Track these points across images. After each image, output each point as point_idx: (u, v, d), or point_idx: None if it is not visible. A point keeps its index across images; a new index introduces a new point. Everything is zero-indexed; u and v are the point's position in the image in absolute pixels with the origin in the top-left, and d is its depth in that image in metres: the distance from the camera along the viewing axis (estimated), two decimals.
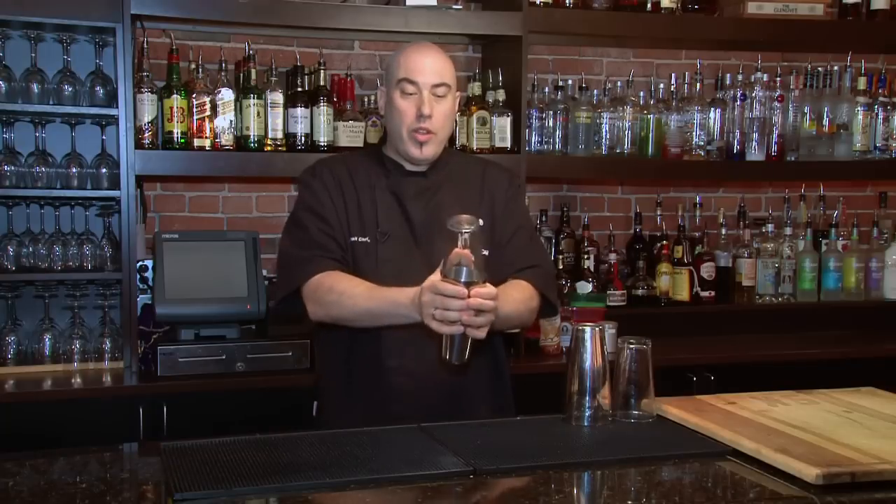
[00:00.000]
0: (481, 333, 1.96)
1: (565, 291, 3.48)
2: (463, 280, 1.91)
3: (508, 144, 3.45)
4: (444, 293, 1.90)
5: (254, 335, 3.16)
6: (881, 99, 3.88)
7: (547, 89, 3.72)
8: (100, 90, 3.20)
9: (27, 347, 3.13)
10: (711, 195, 4.10)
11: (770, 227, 3.96)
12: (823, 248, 3.96)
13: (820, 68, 3.88)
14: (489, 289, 1.94)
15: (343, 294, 2.13)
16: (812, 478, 1.60)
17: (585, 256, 3.67)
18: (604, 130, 3.61)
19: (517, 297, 2.20)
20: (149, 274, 3.17)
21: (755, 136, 3.73)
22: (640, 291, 3.74)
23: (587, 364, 1.96)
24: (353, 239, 2.22)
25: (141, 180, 3.23)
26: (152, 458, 1.82)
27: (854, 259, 3.95)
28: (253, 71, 3.24)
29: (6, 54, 3.18)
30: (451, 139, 3.37)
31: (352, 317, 2.15)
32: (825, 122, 3.82)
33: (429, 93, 2.18)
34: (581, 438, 1.91)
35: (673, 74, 3.80)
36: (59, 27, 3.14)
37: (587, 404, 1.96)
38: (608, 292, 3.63)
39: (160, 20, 3.27)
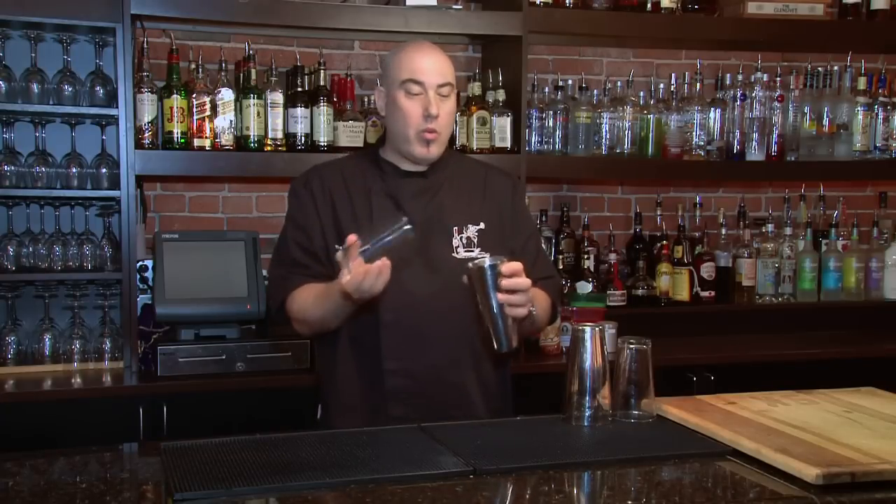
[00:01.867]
0: (522, 311, 1.97)
1: (565, 291, 3.48)
2: (488, 263, 1.94)
3: (508, 144, 3.44)
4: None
5: (254, 335, 3.16)
6: (881, 99, 3.88)
7: (547, 89, 3.72)
8: (100, 90, 3.20)
9: (27, 347, 3.13)
10: (711, 195, 4.10)
11: (770, 227, 3.96)
12: (823, 248, 3.96)
13: (820, 68, 3.88)
14: (516, 263, 1.96)
15: (301, 309, 2.19)
16: (812, 478, 1.60)
17: (585, 256, 3.67)
18: (604, 130, 3.61)
19: (546, 304, 2.27)
20: (149, 274, 3.17)
21: (755, 136, 3.73)
22: (640, 291, 3.74)
23: (587, 364, 1.96)
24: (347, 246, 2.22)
25: (141, 180, 3.23)
26: (152, 458, 1.82)
27: (854, 259, 3.95)
28: (253, 71, 3.24)
29: (6, 54, 3.18)
30: (452, 139, 3.38)
31: (319, 323, 2.19)
32: (825, 122, 3.82)
33: (434, 93, 2.18)
34: (581, 438, 1.91)
35: (673, 74, 3.80)
36: (59, 27, 3.14)
37: (587, 404, 1.96)
38: (608, 292, 3.63)
39: (160, 20, 3.27)
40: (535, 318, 2.14)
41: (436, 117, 2.17)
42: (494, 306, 1.95)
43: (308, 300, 2.16)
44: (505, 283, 1.94)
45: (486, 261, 1.95)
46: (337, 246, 2.22)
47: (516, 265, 1.97)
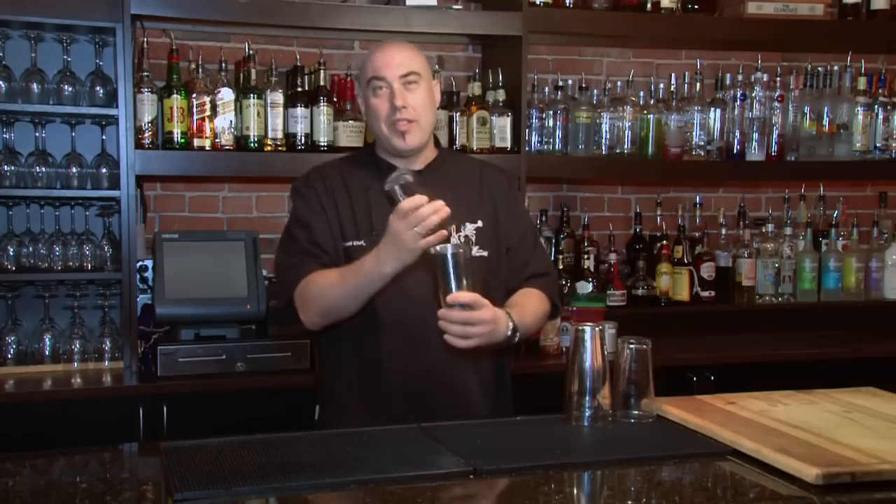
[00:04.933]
0: (461, 342, 1.98)
1: (565, 291, 3.48)
2: (450, 251, 1.94)
3: (508, 144, 3.44)
4: (405, 208, 1.93)
5: (254, 335, 3.17)
6: (881, 99, 3.88)
7: (547, 89, 3.72)
8: (100, 90, 3.20)
9: (27, 347, 3.13)
10: (711, 195, 4.10)
11: (770, 227, 3.96)
12: (823, 248, 3.96)
13: (820, 68, 3.88)
14: (466, 295, 1.95)
15: (322, 286, 2.15)
16: (812, 478, 1.60)
17: (585, 256, 3.67)
18: (604, 130, 3.61)
19: (538, 309, 2.26)
20: (149, 274, 3.17)
21: (755, 136, 3.73)
22: (640, 291, 3.74)
23: (587, 364, 1.96)
24: (348, 244, 2.22)
25: (141, 180, 3.23)
26: (152, 458, 1.82)
27: (854, 259, 3.95)
28: (253, 71, 3.24)
29: (6, 54, 3.18)
30: (451, 139, 3.39)
31: (336, 303, 2.14)
32: (825, 122, 3.81)
33: (399, 84, 2.19)
34: (581, 438, 1.91)
35: (673, 74, 3.80)
36: (59, 27, 3.14)
37: (587, 404, 1.96)
38: (608, 292, 3.62)
39: (160, 20, 3.27)
40: (527, 329, 2.18)
41: (403, 108, 2.18)
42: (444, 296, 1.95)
43: (330, 278, 2.13)
44: (440, 324, 1.96)
45: (448, 248, 1.95)
46: (344, 243, 2.22)
47: (468, 296, 1.95)
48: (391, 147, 2.24)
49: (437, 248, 1.95)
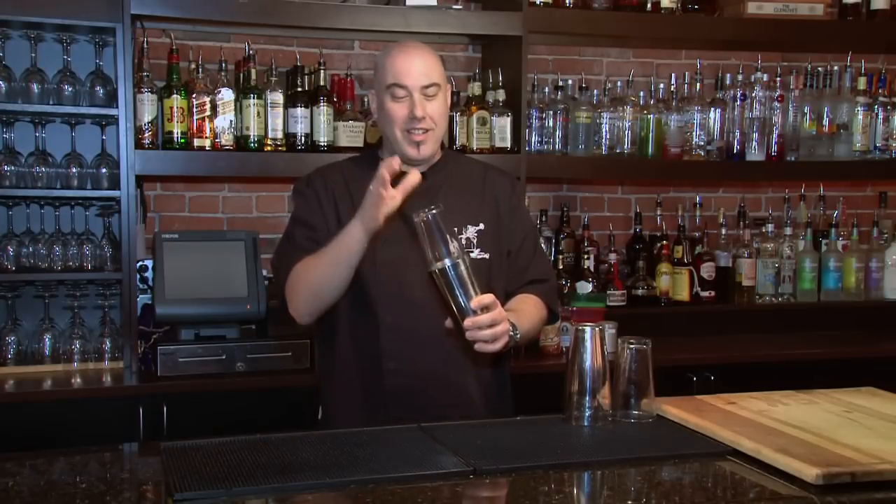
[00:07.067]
0: (492, 347, 1.97)
1: (565, 291, 3.48)
2: (448, 263, 1.92)
3: (508, 144, 3.44)
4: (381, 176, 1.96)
5: (254, 335, 3.16)
6: (881, 99, 3.88)
7: (547, 89, 3.72)
8: (100, 90, 3.20)
9: (27, 347, 3.13)
10: (711, 195, 4.10)
11: (770, 227, 3.96)
12: (823, 248, 3.96)
13: (820, 68, 3.88)
14: (487, 297, 1.94)
15: (304, 266, 2.14)
16: (812, 478, 1.60)
17: (585, 256, 3.67)
18: (604, 130, 3.61)
19: (535, 316, 2.26)
20: (149, 274, 3.17)
21: (755, 136, 3.73)
22: (640, 291, 3.74)
23: (587, 364, 1.96)
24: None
25: (141, 180, 3.23)
26: (152, 458, 1.82)
27: (854, 259, 3.95)
28: (253, 71, 3.24)
29: (6, 54, 3.18)
30: (451, 139, 3.39)
31: (318, 281, 2.13)
32: (825, 122, 3.82)
33: (419, 94, 2.18)
34: (581, 438, 1.91)
35: (673, 74, 3.80)
36: (59, 27, 3.14)
37: (587, 404, 1.96)
38: (608, 292, 3.63)
39: (160, 20, 3.27)
40: (526, 334, 2.16)
41: (422, 118, 2.18)
42: (464, 306, 1.94)
43: (312, 259, 2.12)
44: (468, 335, 1.94)
45: (447, 261, 1.92)
46: None
47: (487, 298, 1.94)
48: (402, 154, 2.23)
49: (437, 263, 1.92)
